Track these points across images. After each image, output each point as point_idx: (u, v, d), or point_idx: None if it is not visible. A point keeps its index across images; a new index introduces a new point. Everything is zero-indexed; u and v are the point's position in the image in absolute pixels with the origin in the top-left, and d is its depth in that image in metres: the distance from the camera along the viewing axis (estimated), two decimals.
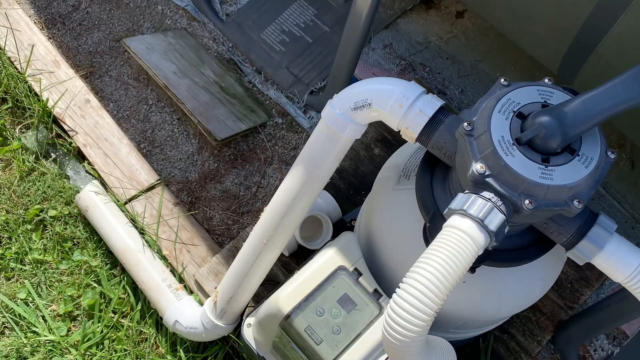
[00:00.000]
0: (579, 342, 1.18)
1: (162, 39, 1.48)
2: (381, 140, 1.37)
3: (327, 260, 0.93)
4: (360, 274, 0.93)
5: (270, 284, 1.17)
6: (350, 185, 1.33)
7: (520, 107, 0.71)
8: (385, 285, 0.94)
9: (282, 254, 1.22)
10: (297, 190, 0.94)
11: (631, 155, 1.41)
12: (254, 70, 1.52)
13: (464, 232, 0.67)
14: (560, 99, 0.71)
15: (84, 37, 1.53)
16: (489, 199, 0.68)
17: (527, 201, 0.67)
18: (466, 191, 0.71)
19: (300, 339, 0.87)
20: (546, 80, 0.75)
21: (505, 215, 0.68)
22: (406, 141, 0.90)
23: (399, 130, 0.84)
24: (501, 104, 0.71)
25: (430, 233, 0.81)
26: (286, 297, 0.89)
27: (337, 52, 1.31)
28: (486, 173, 0.69)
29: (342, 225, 1.27)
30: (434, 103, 0.80)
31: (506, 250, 0.82)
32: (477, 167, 0.69)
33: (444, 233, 0.68)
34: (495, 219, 0.67)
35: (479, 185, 0.70)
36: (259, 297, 1.17)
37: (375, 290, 0.92)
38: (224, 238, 1.28)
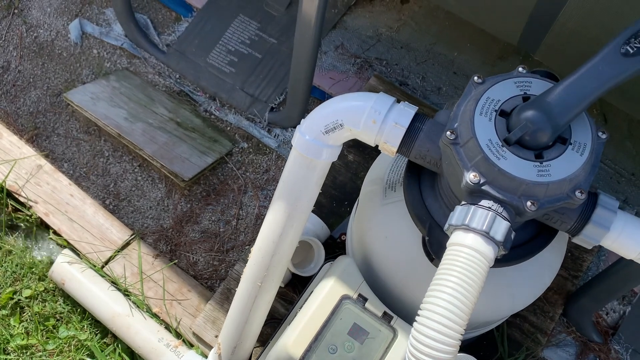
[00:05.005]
0: (592, 310, 1.17)
1: (105, 84, 1.40)
2: (354, 145, 1.33)
3: (328, 292, 0.88)
4: (365, 299, 0.88)
5: (273, 322, 1.11)
6: (332, 198, 1.29)
7: (501, 104, 0.67)
8: (393, 304, 0.89)
9: None
10: (282, 226, 0.88)
11: (602, 110, 1.40)
12: (208, 97, 1.46)
13: (471, 248, 0.63)
14: (539, 87, 0.68)
15: (21, 99, 1.43)
16: (490, 208, 0.64)
17: (528, 203, 0.64)
18: (463, 203, 0.67)
19: None
20: (520, 69, 0.71)
21: (509, 221, 0.64)
22: None
23: (377, 146, 0.80)
24: (481, 105, 0.67)
25: (430, 246, 0.77)
26: (294, 342, 0.84)
27: (290, 63, 1.25)
28: (481, 181, 0.65)
29: (332, 242, 1.22)
30: (407, 112, 0.76)
31: (512, 247, 0.78)
32: (471, 176, 0.65)
33: (450, 252, 0.64)
34: (500, 228, 0.63)
35: (475, 194, 0.66)
36: (263, 335, 1.12)
37: (385, 313, 0.87)
38: (214, 281, 1.22)
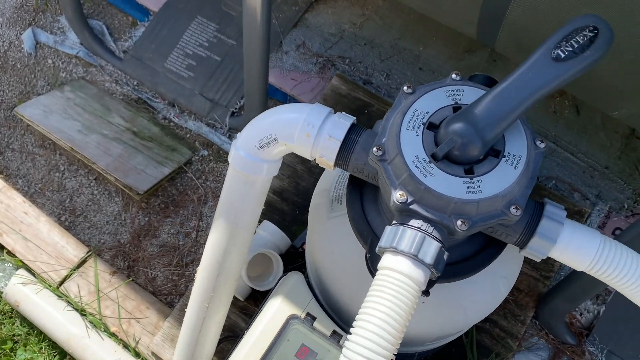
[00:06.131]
0: (565, 311, 1.13)
1: (59, 96, 1.36)
2: None
3: (275, 312, 0.84)
4: (314, 318, 0.84)
5: (231, 338, 1.08)
6: (295, 205, 1.25)
7: (430, 116, 0.63)
8: (344, 320, 0.86)
9: (237, 299, 1.13)
10: (225, 244, 0.85)
11: (574, 102, 1.35)
12: (167, 104, 1.41)
13: (399, 272, 0.59)
14: (471, 96, 0.63)
15: None
16: (419, 228, 0.60)
17: (459, 222, 0.59)
18: (393, 222, 0.62)
19: None
20: (453, 75, 0.66)
21: (440, 241, 0.60)
22: None
23: (314, 160, 0.76)
24: (408, 118, 0.63)
25: (372, 263, 0.73)
26: None
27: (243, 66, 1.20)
28: (408, 200, 0.60)
29: (295, 252, 1.18)
30: (342, 124, 0.71)
31: (457, 262, 0.74)
32: (397, 195, 0.61)
33: (379, 277, 0.60)
34: (430, 250, 0.59)
35: (404, 213, 0.62)
36: (223, 351, 1.09)
37: (334, 332, 0.83)
38: (173, 296, 1.19)
